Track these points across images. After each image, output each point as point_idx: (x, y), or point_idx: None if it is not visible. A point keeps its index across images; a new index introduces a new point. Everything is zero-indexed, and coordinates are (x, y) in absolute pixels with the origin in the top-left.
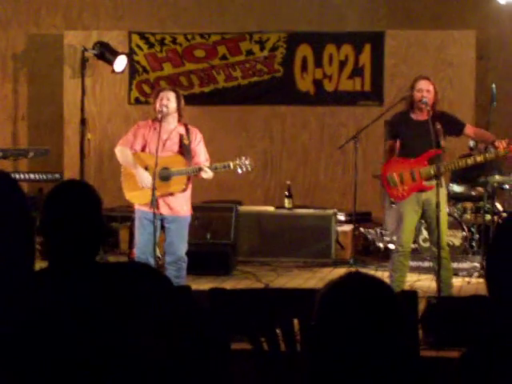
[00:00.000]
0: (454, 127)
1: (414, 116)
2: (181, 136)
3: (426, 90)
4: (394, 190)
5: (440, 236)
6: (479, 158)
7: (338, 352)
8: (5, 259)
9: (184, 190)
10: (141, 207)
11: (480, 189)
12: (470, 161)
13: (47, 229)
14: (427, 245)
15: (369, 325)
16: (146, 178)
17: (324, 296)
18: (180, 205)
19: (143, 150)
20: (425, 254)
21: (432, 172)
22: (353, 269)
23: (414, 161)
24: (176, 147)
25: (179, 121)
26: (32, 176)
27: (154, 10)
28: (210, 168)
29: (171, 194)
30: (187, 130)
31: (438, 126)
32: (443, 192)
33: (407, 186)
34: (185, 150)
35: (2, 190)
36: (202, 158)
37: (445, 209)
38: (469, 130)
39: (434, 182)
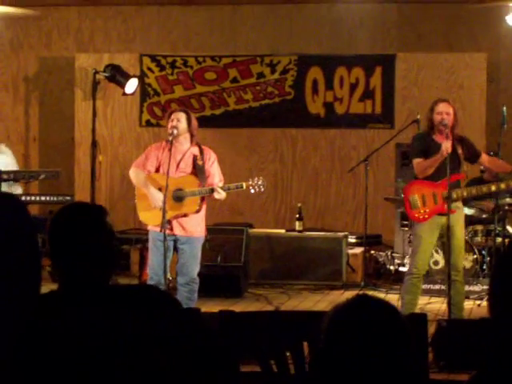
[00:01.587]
0: (471, 154)
1: (435, 138)
2: (194, 157)
3: (445, 112)
4: (415, 212)
5: (450, 258)
6: (503, 186)
7: (345, 375)
8: (9, 282)
9: (198, 211)
10: (154, 228)
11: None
12: (494, 187)
13: (52, 252)
14: (438, 267)
15: (376, 348)
16: (158, 198)
17: (331, 319)
18: (194, 225)
19: (157, 171)
20: (436, 276)
21: (455, 196)
22: (362, 292)
23: (437, 184)
24: (189, 168)
25: (192, 141)
26: (43, 198)
27: (165, 33)
28: (222, 188)
29: (185, 215)
30: (201, 151)
31: (460, 151)
32: (462, 215)
33: (429, 209)
34: (198, 171)
35: (7, 213)
36: (216, 178)
37: (463, 231)
38: (484, 159)
39: (455, 206)
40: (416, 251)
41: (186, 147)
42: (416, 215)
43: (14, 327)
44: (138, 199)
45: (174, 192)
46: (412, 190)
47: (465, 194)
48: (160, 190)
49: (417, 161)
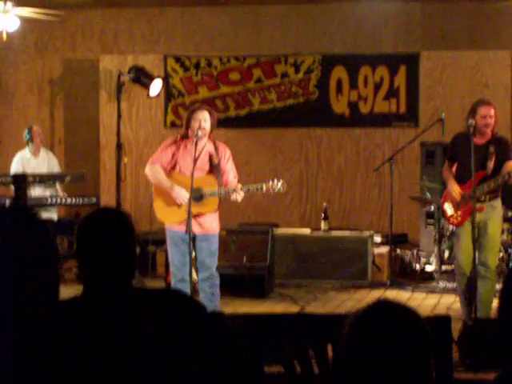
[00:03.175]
0: (501, 156)
1: (476, 140)
2: (210, 155)
3: (489, 116)
4: (451, 218)
5: (480, 255)
6: (500, 180)
7: (367, 379)
8: (27, 287)
9: (216, 211)
10: (172, 226)
11: None
12: (500, 179)
13: (79, 256)
14: None
15: (397, 353)
16: (183, 195)
17: (352, 325)
18: (210, 222)
19: (173, 168)
20: None
21: (477, 193)
22: (382, 297)
23: (466, 185)
24: (207, 166)
25: (209, 137)
26: (68, 200)
27: (189, 34)
28: (242, 189)
29: (202, 214)
30: (216, 147)
31: (492, 149)
32: (496, 212)
33: (461, 211)
34: (215, 169)
35: (21, 222)
36: (231, 175)
37: (496, 229)
38: (508, 165)
39: (484, 204)
40: (457, 250)
41: (202, 144)
42: (451, 220)
43: (30, 331)
44: (155, 197)
45: (193, 192)
46: (446, 198)
47: (477, 192)
48: None
49: (446, 164)
